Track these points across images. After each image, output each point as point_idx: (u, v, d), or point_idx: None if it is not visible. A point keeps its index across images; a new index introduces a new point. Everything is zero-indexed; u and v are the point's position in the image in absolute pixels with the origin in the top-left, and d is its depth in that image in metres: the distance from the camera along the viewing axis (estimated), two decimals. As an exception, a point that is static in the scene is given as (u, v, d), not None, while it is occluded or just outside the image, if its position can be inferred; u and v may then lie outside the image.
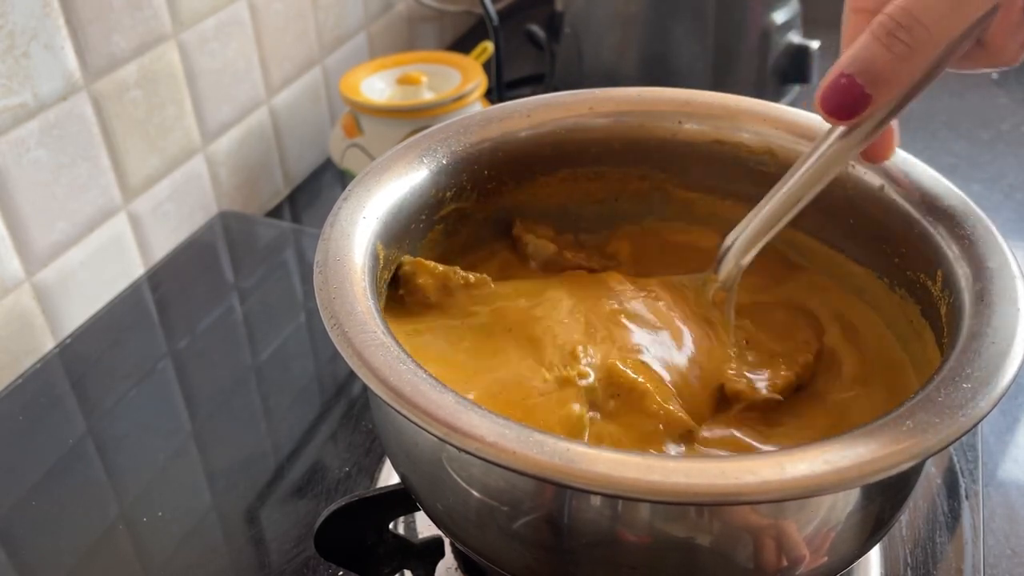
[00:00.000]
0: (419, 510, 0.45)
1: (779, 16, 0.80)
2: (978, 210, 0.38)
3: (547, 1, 1.04)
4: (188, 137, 0.70)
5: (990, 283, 0.35)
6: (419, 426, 0.30)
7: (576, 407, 0.36)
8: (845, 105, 0.34)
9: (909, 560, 0.45)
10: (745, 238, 0.41)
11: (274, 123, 0.79)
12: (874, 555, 0.45)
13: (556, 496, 0.32)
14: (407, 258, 0.42)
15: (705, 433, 0.37)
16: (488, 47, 0.83)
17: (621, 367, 0.37)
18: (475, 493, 0.34)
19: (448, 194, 0.45)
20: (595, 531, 0.32)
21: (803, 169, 0.38)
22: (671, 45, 0.80)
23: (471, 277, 0.42)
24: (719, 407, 0.39)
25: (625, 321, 0.40)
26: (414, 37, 0.99)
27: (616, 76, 0.81)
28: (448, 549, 0.46)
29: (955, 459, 0.50)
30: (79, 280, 0.63)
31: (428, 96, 0.74)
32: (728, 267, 0.41)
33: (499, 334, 0.40)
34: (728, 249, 0.41)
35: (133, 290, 0.65)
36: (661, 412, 0.36)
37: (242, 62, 0.73)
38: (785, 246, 0.46)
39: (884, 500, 0.34)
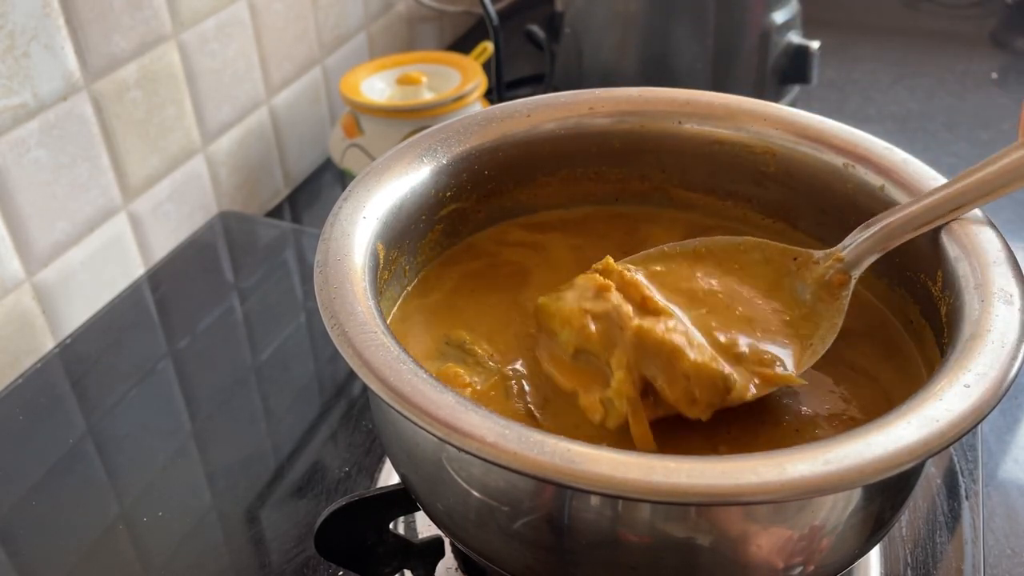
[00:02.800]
0: (419, 510, 0.45)
1: (779, 16, 0.80)
2: (978, 210, 0.38)
3: (547, 1, 1.05)
4: (188, 137, 0.70)
5: (990, 283, 0.35)
6: (419, 426, 0.30)
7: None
8: None
9: (909, 560, 0.45)
10: (901, 221, 0.38)
11: (274, 123, 0.79)
12: (874, 555, 0.45)
13: (556, 496, 0.32)
14: None
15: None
16: (488, 47, 0.83)
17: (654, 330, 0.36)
18: (475, 493, 0.34)
19: (448, 194, 0.45)
20: (595, 531, 0.32)
21: (991, 169, 0.36)
22: (671, 45, 0.80)
23: None
24: None
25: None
26: (414, 37, 0.99)
27: (616, 76, 0.81)
28: (448, 549, 0.46)
29: (955, 459, 0.50)
30: (79, 280, 0.63)
31: (428, 96, 0.74)
32: (863, 247, 0.39)
33: None
34: (870, 228, 0.39)
35: (133, 290, 0.65)
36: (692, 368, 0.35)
37: (242, 62, 0.73)
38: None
39: (884, 500, 0.34)
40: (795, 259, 0.41)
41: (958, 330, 0.34)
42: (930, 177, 0.40)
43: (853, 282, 0.39)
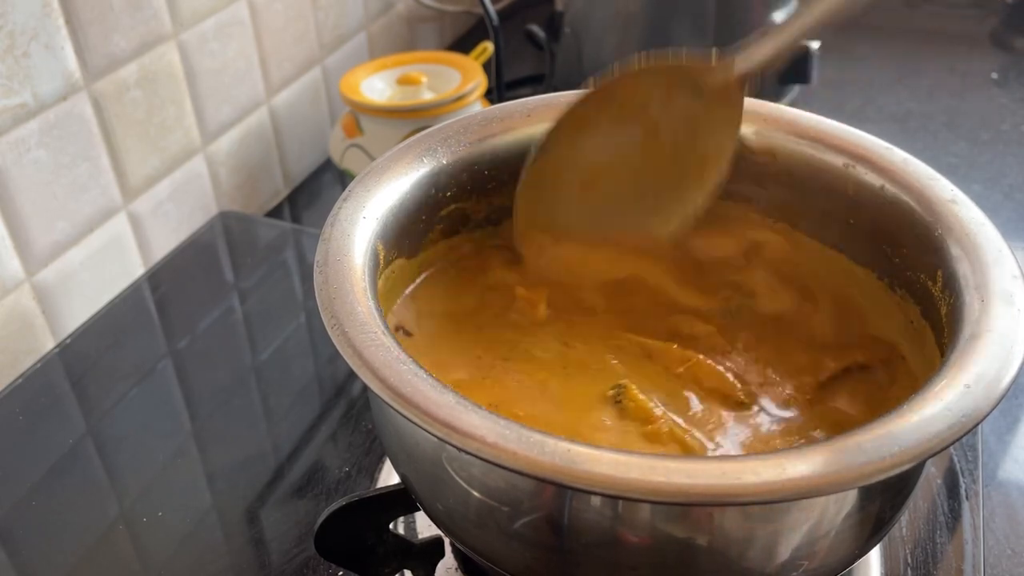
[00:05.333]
0: (419, 510, 0.45)
1: (779, 16, 0.80)
2: (978, 210, 0.38)
3: (547, 1, 1.04)
4: (188, 137, 0.70)
5: (990, 283, 0.35)
6: (419, 426, 0.30)
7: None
8: None
9: (909, 560, 0.45)
10: (798, 26, 0.39)
11: (274, 123, 0.79)
12: (874, 555, 0.45)
13: (556, 496, 0.32)
14: None
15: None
16: (488, 47, 0.83)
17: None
18: (475, 493, 0.34)
19: (448, 194, 0.45)
20: (595, 531, 0.32)
21: None
22: (671, 45, 0.80)
23: None
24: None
25: None
26: (414, 37, 0.99)
27: (616, 76, 0.81)
28: (448, 549, 0.46)
29: (955, 459, 0.50)
30: (79, 280, 0.63)
31: (428, 96, 0.74)
32: (759, 52, 0.40)
33: None
34: (767, 35, 0.40)
35: (133, 290, 0.65)
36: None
37: (242, 62, 0.73)
38: (783, 246, 0.46)
39: (884, 500, 0.34)
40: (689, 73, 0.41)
41: (958, 330, 0.34)
42: (930, 177, 0.40)
43: (747, 87, 0.41)
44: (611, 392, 0.38)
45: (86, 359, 0.59)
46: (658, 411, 0.37)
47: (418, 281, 0.45)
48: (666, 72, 0.42)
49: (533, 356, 0.41)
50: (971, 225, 0.38)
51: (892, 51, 1.01)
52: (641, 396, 0.38)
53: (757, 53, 0.40)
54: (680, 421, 0.37)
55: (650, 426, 0.37)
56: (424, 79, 0.75)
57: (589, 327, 0.43)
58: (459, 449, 0.30)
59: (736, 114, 0.41)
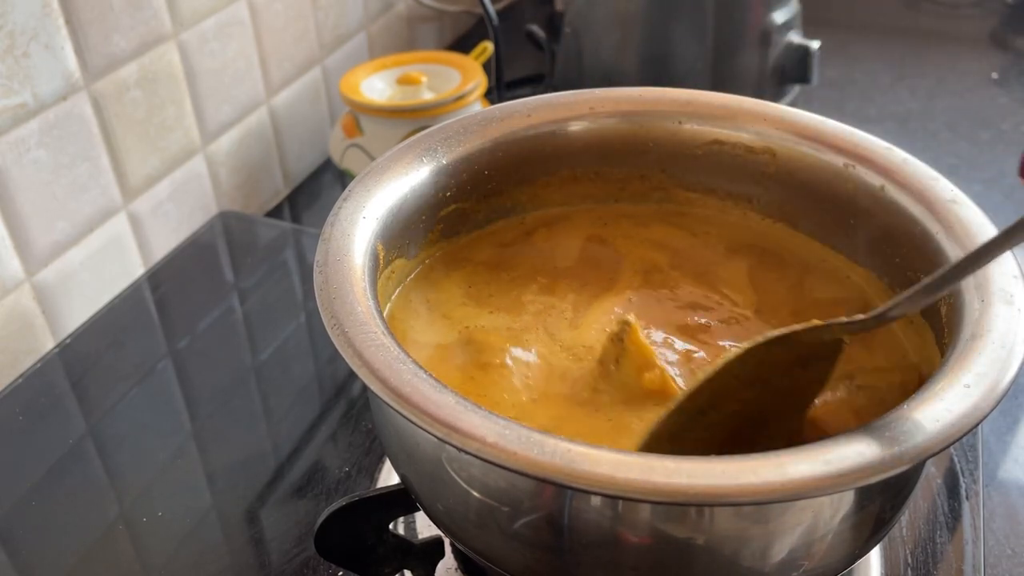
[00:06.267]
0: (419, 510, 0.45)
1: (779, 16, 0.80)
2: (978, 210, 0.38)
3: (547, 1, 1.04)
4: (188, 137, 0.70)
5: (990, 283, 0.35)
6: (419, 426, 0.30)
7: None
8: None
9: (909, 560, 0.45)
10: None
11: (274, 123, 0.79)
12: (874, 555, 0.45)
13: (556, 496, 0.32)
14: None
15: None
16: (488, 47, 0.83)
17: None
18: (475, 493, 0.34)
19: (448, 194, 0.45)
20: (595, 531, 0.32)
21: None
22: (671, 45, 0.80)
23: None
24: None
25: None
26: (414, 37, 0.99)
27: (616, 76, 0.81)
28: (448, 549, 0.46)
29: (955, 459, 0.50)
30: (79, 280, 0.63)
31: (428, 96, 0.74)
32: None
33: None
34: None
35: (133, 290, 0.65)
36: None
37: (242, 62, 0.73)
38: (783, 248, 0.46)
39: (884, 500, 0.34)
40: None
41: (958, 330, 0.34)
42: (930, 177, 0.40)
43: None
44: (616, 328, 0.38)
45: (86, 359, 0.59)
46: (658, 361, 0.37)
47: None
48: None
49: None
50: (971, 225, 0.38)
51: (892, 51, 1.01)
52: (644, 340, 0.37)
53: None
54: (677, 376, 0.37)
55: (647, 374, 0.36)
56: (424, 79, 0.75)
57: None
58: (459, 449, 0.29)
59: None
